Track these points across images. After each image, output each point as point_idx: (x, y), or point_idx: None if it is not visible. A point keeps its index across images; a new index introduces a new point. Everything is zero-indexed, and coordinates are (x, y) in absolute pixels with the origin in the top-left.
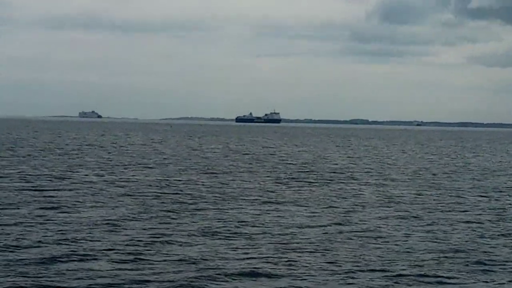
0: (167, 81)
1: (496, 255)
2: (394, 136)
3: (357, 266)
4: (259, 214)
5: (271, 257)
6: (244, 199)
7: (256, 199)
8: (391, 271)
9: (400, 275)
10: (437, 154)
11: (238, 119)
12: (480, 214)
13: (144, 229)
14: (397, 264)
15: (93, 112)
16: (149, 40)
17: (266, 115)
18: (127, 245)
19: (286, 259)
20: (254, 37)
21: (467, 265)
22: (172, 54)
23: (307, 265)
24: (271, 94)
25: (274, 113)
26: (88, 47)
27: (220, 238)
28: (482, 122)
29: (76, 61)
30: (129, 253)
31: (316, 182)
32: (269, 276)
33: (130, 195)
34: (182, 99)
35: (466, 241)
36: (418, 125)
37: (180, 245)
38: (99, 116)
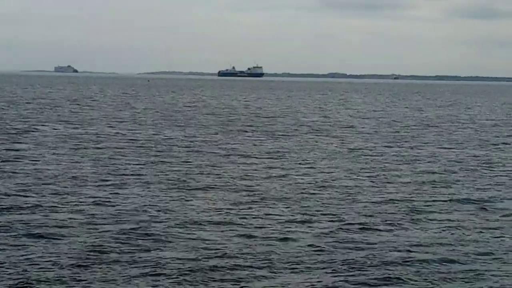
0: (146, 36)
1: (432, 204)
2: (369, 89)
3: (307, 214)
4: (214, 166)
5: (226, 208)
6: (204, 152)
7: (213, 152)
8: (338, 220)
9: (348, 223)
10: (408, 107)
11: (221, 74)
12: (431, 165)
13: (101, 180)
14: (343, 213)
15: (69, 66)
16: None
17: (248, 69)
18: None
19: (239, 209)
20: None
21: (406, 213)
22: (152, 9)
23: (261, 214)
24: (254, 48)
25: (257, 67)
26: (67, 2)
27: (173, 189)
28: (459, 75)
29: (54, 16)
30: (91, 202)
31: (283, 135)
32: (225, 224)
33: (88, 148)
34: (162, 53)
35: (407, 192)
36: (395, 78)
37: (136, 196)
38: (75, 71)
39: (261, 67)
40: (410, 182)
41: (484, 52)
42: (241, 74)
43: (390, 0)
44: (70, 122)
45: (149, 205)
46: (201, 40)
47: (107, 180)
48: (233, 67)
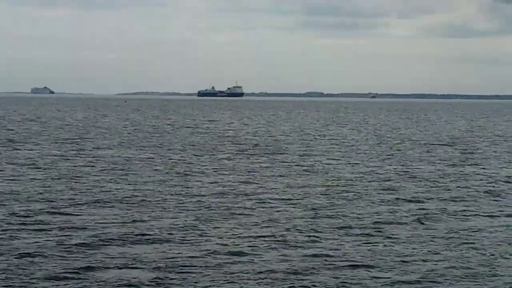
0: (123, 57)
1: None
2: (341, 108)
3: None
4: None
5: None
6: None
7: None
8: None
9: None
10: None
11: (201, 94)
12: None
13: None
14: (277, 228)
15: (45, 88)
16: (105, 16)
17: (228, 89)
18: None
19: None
20: (210, 11)
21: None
22: (129, 30)
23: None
24: (232, 68)
25: (237, 86)
26: (45, 23)
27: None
28: (436, 93)
29: (31, 37)
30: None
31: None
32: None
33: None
34: (139, 74)
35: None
36: (373, 97)
37: (91, 214)
38: (52, 92)
39: (241, 87)
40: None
41: (460, 70)
42: (221, 94)
43: (365, 20)
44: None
45: (101, 222)
46: (179, 60)
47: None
48: (213, 87)
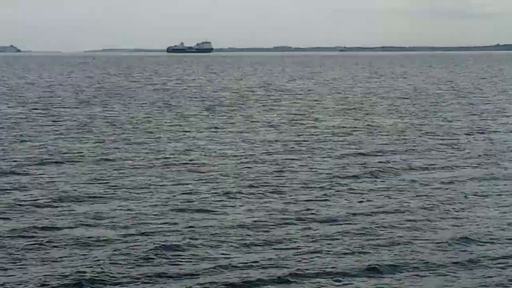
0: (91, 13)
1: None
2: (309, 62)
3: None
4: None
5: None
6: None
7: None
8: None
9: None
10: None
11: (170, 50)
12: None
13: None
14: (240, 183)
15: (11, 46)
16: None
17: (197, 44)
18: None
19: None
20: None
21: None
22: None
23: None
24: (201, 23)
25: (206, 42)
26: None
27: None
28: (404, 46)
29: None
30: None
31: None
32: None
33: None
34: (108, 30)
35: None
36: (341, 51)
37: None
38: (18, 51)
39: (210, 43)
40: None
41: (428, 22)
42: (190, 50)
43: None
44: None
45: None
46: (148, 16)
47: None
48: (182, 43)
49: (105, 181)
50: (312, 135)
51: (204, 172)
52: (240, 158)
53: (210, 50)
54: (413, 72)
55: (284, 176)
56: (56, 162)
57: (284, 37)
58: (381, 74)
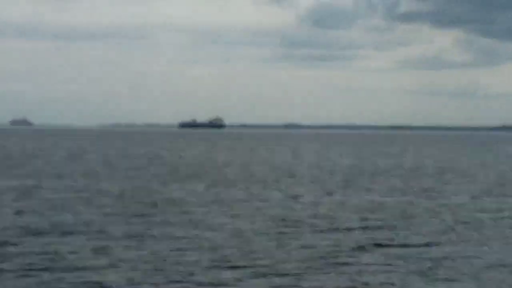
0: (103, 88)
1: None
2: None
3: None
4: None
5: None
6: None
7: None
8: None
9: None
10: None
11: (182, 125)
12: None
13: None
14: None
15: (24, 119)
16: (87, 47)
17: (210, 120)
18: None
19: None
20: (191, 44)
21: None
22: (110, 61)
23: None
24: (213, 100)
25: (218, 118)
26: (26, 55)
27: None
28: (412, 124)
29: (13, 69)
30: None
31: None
32: None
33: None
34: (120, 105)
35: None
36: (350, 128)
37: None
38: (30, 124)
39: (222, 119)
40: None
41: (435, 102)
42: (202, 125)
43: (342, 52)
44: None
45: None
46: (159, 92)
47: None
48: (194, 119)
49: (107, 253)
50: (312, 211)
51: (209, 248)
52: (237, 232)
53: (222, 126)
54: (414, 151)
55: (284, 252)
56: (55, 233)
57: (294, 114)
58: (387, 151)
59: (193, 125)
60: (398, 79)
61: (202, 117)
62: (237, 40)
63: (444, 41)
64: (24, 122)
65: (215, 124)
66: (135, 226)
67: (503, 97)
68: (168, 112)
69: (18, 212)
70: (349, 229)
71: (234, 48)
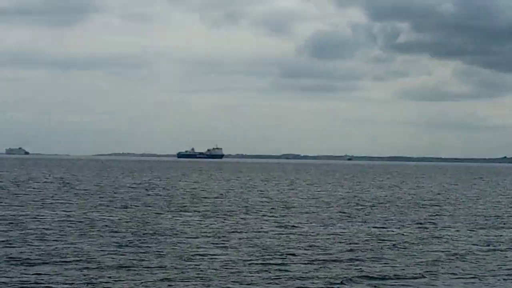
0: (101, 118)
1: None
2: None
3: None
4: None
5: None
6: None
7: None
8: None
9: None
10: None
11: (180, 155)
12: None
13: None
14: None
15: (20, 148)
16: (84, 77)
17: (208, 150)
18: None
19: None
20: (190, 74)
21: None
22: (107, 91)
23: None
24: (211, 130)
25: (217, 148)
26: (23, 83)
27: None
28: (411, 156)
29: (9, 98)
30: None
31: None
32: None
33: None
34: (116, 135)
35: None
36: (349, 159)
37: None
38: (26, 153)
39: (221, 149)
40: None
41: (434, 133)
42: (200, 155)
43: (341, 83)
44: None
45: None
46: (156, 122)
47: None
48: (193, 149)
49: (97, 283)
50: (305, 242)
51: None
52: (228, 262)
53: (221, 156)
54: (411, 182)
55: (272, 284)
56: (49, 263)
57: (293, 145)
58: (383, 182)
59: (191, 155)
60: (398, 110)
61: (201, 147)
62: (237, 70)
63: (443, 72)
64: (20, 151)
65: (214, 154)
66: (126, 256)
67: (503, 128)
68: (167, 142)
69: (7, 242)
70: (340, 261)
71: (233, 78)
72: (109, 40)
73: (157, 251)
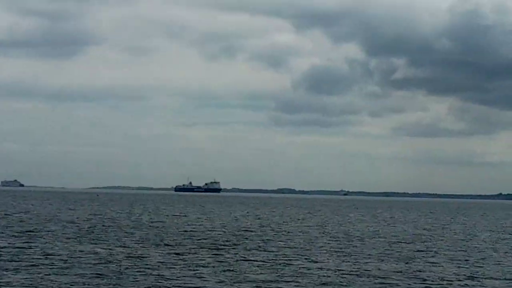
0: (97, 150)
1: None
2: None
3: None
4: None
5: None
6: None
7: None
8: None
9: None
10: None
11: (177, 189)
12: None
13: None
14: None
15: (15, 181)
16: (80, 109)
17: (206, 184)
18: None
19: None
20: (186, 107)
21: None
22: (103, 124)
23: None
24: (208, 163)
25: (214, 182)
26: (16, 116)
27: None
28: (407, 191)
29: (5, 129)
30: None
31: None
32: None
33: None
34: (112, 168)
35: None
36: (345, 194)
37: None
38: (21, 185)
39: (218, 182)
40: None
41: (430, 169)
42: (198, 189)
43: (337, 118)
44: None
45: None
46: (152, 155)
47: None
48: (190, 182)
49: None
50: (294, 276)
51: None
52: None
53: (218, 190)
54: (403, 218)
55: None
56: None
57: (288, 180)
58: (380, 218)
59: (188, 188)
60: (393, 145)
61: (197, 180)
62: (233, 104)
63: (439, 108)
64: (15, 183)
65: (211, 188)
66: None
67: (499, 165)
68: (163, 175)
69: None
70: None
71: (230, 112)
72: (106, 72)
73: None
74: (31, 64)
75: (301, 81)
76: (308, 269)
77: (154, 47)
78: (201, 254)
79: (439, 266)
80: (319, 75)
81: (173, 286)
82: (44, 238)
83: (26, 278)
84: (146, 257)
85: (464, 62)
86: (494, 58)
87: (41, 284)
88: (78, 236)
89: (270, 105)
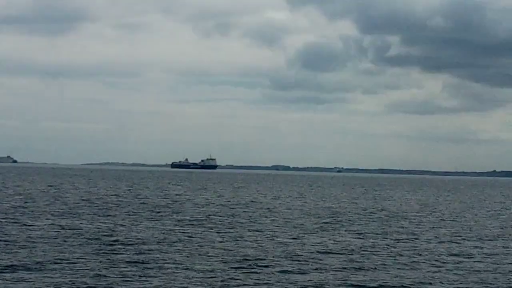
0: (91, 126)
1: None
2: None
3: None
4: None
5: None
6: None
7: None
8: None
9: None
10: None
11: (174, 165)
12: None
13: None
14: None
15: (8, 157)
16: (74, 86)
17: (202, 161)
18: None
19: None
20: (180, 83)
21: None
22: (98, 100)
23: None
24: (203, 140)
25: (210, 159)
26: (12, 91)
27: None
28: (401, 168)
29: None
30: None
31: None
32: None
33: None
34: (106, 144)
35: None
36: (338, 171)
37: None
38: (15, 161)
39: (214, 159)
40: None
41: (425, 146)
42: (194, 166)
43: (332, 95)
44: None
45: None
46: (147, 131)
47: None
48: (186, 159)
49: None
50: (284, 252)
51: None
52: (205, 273)
53: (214, 166)
54: (398, 195)
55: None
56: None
57: (283, 157)
58: (369, 194)
59: (185, 165)
60: (388, 122)
61: (192, 157)
62: (227, 81)
63: (433, 85)
64: (8, 159)
65: (207, 165)
66: (90, 267)
67: (493, 143)
68: (157, 152)
69: None
70: (317, 270)
71: (224, 89)
72: (100, 49)
73: (123, 261)
74: (24, 41)
75: (296, 58)
76: (295, 245)
77: (148, 23)
78: (188, 230)
79: (430, 243)
80: (313, 52)
81: (155, 263)
82: (42, 214)
83: (25, 254)
84: (130, 232)
85: (458, 40)
86: (488, 36)
87: (40, 259)
88: (70, 212)
89: (264, 83)
